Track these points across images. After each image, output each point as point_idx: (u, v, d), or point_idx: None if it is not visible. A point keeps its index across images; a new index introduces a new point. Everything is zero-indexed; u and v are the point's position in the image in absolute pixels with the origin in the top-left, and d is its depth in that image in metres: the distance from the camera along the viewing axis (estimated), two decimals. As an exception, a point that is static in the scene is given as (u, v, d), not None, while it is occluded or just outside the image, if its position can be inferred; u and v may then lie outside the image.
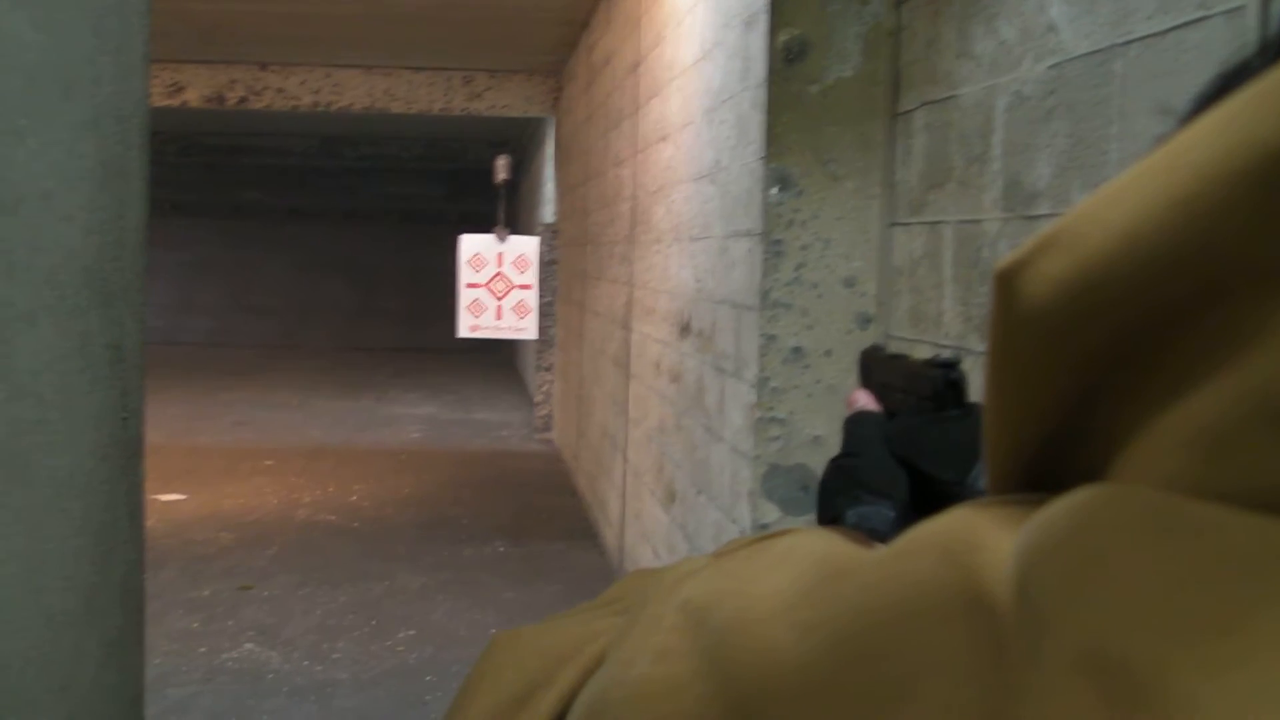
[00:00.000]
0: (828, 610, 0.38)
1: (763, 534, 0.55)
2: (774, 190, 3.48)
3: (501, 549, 8.05)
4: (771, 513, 3.61)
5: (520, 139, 18.23)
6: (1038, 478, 0.40)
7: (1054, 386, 0.38)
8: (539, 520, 8.95)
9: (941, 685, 0.34)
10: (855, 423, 0.95)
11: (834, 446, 3.25)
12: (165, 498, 8.95)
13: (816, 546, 0.43)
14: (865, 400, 0.96)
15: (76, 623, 1.12)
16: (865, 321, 3.47)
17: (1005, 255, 0.39)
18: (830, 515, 0.93)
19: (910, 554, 0.38)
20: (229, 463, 10.76)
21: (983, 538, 0.36)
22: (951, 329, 2.92)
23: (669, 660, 0.43)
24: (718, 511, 4.61)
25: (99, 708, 1.17)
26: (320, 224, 23.79)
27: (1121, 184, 0.36)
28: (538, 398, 13.15)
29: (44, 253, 1.04)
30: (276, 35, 11.12)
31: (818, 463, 3.53)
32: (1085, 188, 2.30)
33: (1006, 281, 0.39)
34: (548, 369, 12.85)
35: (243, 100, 12.67)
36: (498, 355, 21.17)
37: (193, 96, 12.56)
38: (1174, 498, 0.33)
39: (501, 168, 9.82)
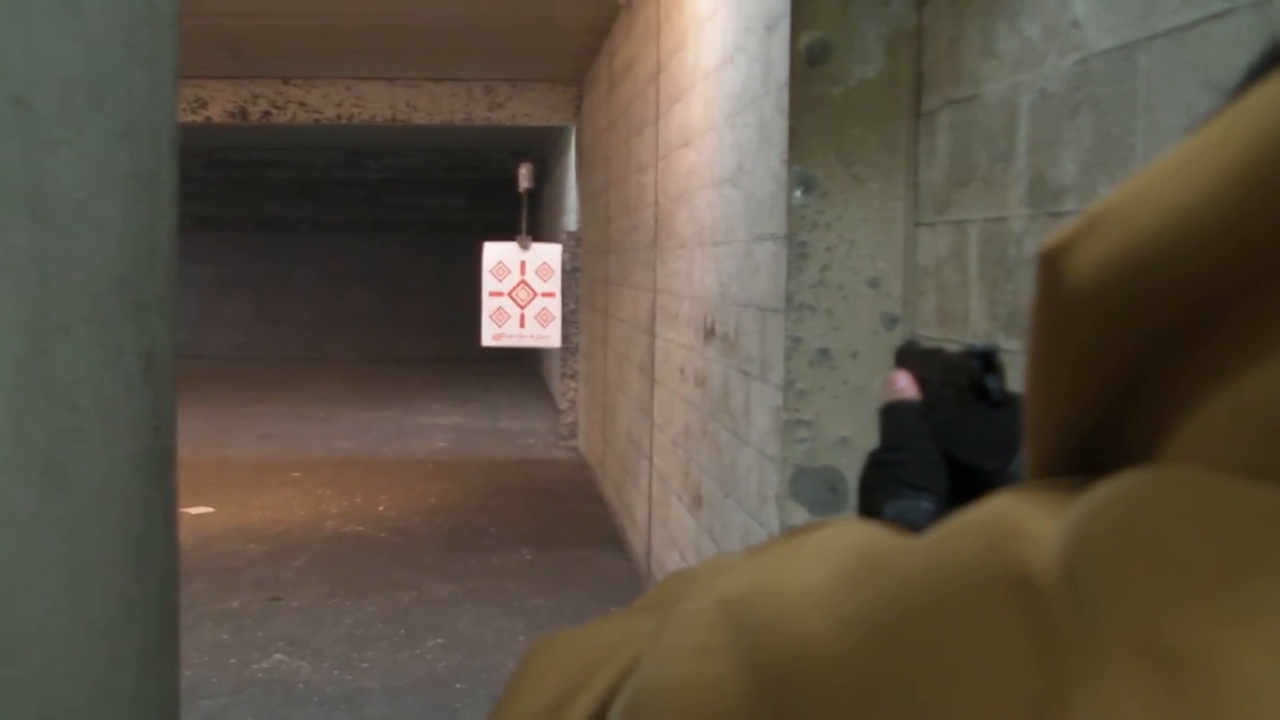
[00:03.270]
0: (868, 602, 0.38)
1: (798, 528, 0.54)
2: (798, 193, 3.48)
3: (529, 556, 8.05)
4: (799, 515, 3.60)
5: (542, 148, 18.27)
6: (1080, 463, 0.39)
7: (1099, 370, 0.38)
8: (566, 527, 8.96)
9: (992, 674, 0.33)
10: (893, 413, 0.94)
11: (862, 448, 3.25)
12: (194, 510, 8.98)
13: (853, 538, 0.43)
14: (905, 383, 0.94)
15: (114, 632, 1.12)
16: (891, 322, 3.46)
17: (1048, 236, 0.38)
18: (869, 510, 0.92)
19: (951, 542, 0.37)
20: (256, 475, 10.80)
21: (1024, 523, 0.35)
22: (979, 327, 2.91)
23: (707, 656, 0.42)
24: (745, 515, 4.60)
25: (136, 717, 1.17)
26: (345, 236, 23.87)
27: (1172, 161, 0.36)
28: (563, 405, 13.16)
29: (78, 263, 1.05)
30: (298, 49, 11.16)
31: (845, 464, 3.53)
32: (1111, 183, 2.30)
33: (1050, 263, 0.38)
34: (572, 376, 12.87)
35: (266, 114, 12.72)
36: (523, 364, 21.20)
37: (216, 112, 12.62)
38: (1232, 481, 0.32)
39: (524, 176, 9.84)
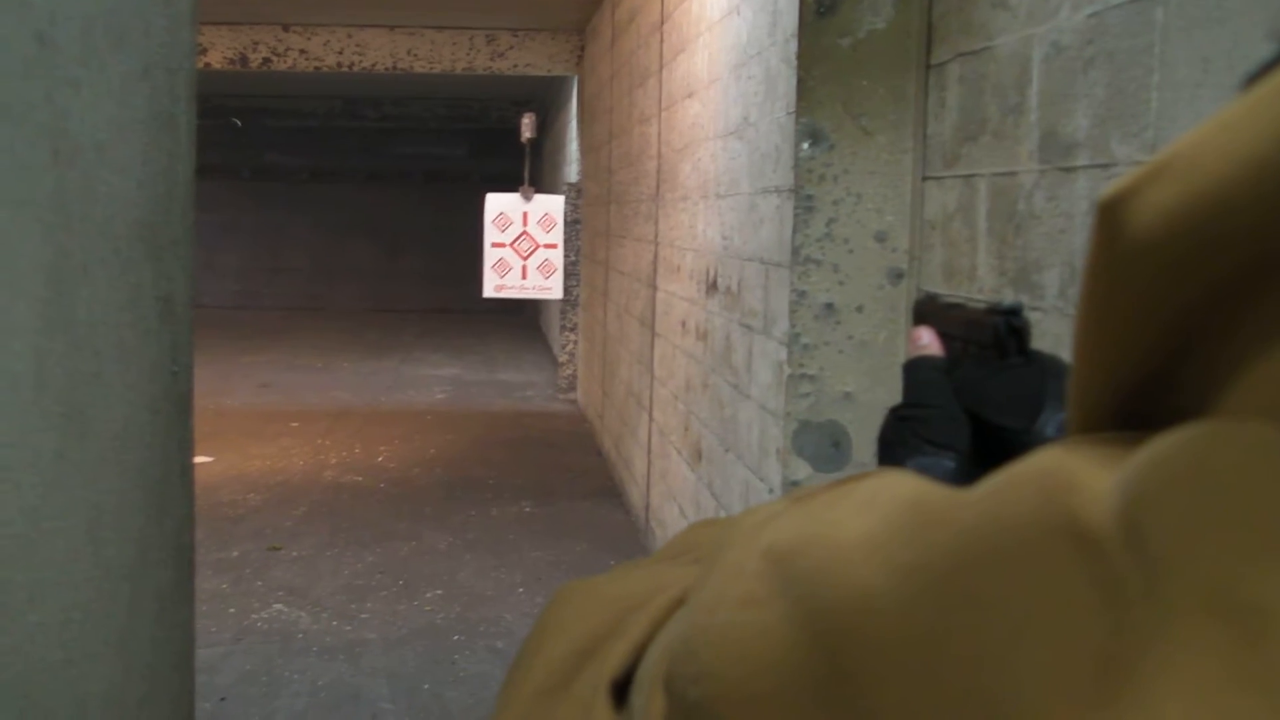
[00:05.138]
0: (922, 554, 0.37)
1: (842, 478, 0.54)
2: (805, 145, 3.46)
3: (528, 508, 8.07)
4: (802, 469, 3.60)
5: (543, 98, 18.20)
6: (1127, 419, 0.39)
7: (1157, 323, 0.37)
8: (565, 479, 8.98)
9: (1058, 627, 0.33)
10: (915, 368, 0.93)
11: (866, 403, 3.23)
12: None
13: (903, 489, 0.42)
14: (929, 339, 0.93)
15: (132, 576, 1.12)
16: (897, 277, 3.45)
17: (1110, 184, 0.38)
18: (890, 466, 0.91)
19: (1005, 495, 0.37)
20: (255, 425, 10.81)
21: (1079, 476, 0.35)
22: (986, 283, 2.91)
23: (756, 606, 0.42)
24: (745, 470, 4.61)
25: (153, 660, 1.17)
26: (344, 185, 23.82)
27: (1238, 111, 0.35)
28: (562, 358, 13.16)
29: (99, 203, 1.04)
30: (299, -5, 11.08)
31: (849, 419, 3.53)
32: (1124, 138, 2.28)
33: (1110, 213, 0.37)
34: (572, 329, 12.86)
35: (266, 62, 12.65)
36: (522, 315, 21.20)
37: (215, 58, 12.54)
38: None
39: (527, 126, 9.80)
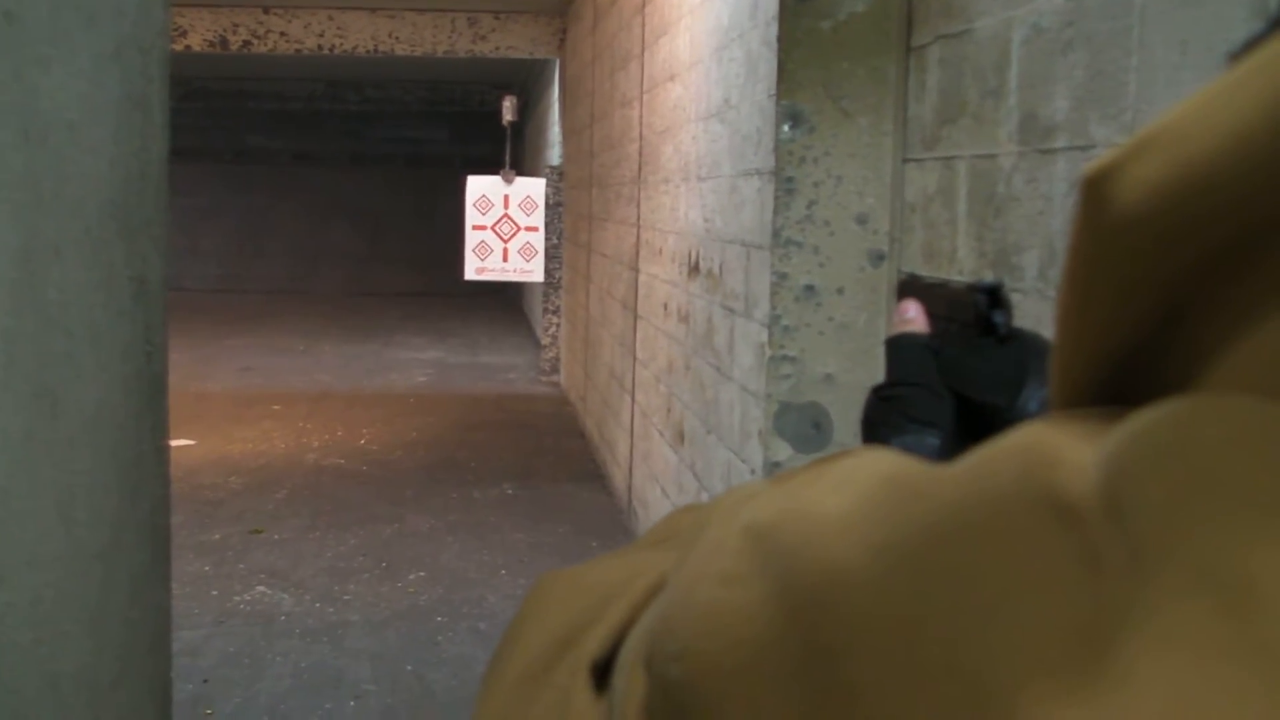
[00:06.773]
0: (899, 529, 0.37)
1: (823, 456, 0.53)
2: (785, 127, 3.46)
3: (510, 491, 8.07)
4: (783, 450, 3.61)
5: (525, 81, 18.15)
6: (1110, 395, 0.39)
7: (1141, 298, 0.37)
8: (547, 462, 8.98)
9: (1036, 599, 0.32)
10: (898, 345, 0.92)
11: (847, 384, 3.23)
12: (174, 443, 8.94)
13: (881, 466, 0.42)
14: (914, 313, 0.93)
15: (105, 557, 1.11)
16: (878, 259, 3.45)
17: (1095, 159, 0.37)
18: (875, 445, 0.91)
19: (985, 469, 0.36)
20: (237, 408, 10.78)
21: (1060, 450, 0.35)
22: (966, 265, 2.91)
23: (736, 584, 0.42)
24: (727, 451, 4.61)
25: (127, 641, 1.17)
26: (325, 169, 23.73)
27: (1224, 85, 0.35)
28: (544, 340, 13.16)
29: (70, 183, 1.03)
30: (279, -23, 11.02)
31: (830, 400, 3.53)
32: (1103, 120, 2.28)
33: (1095, 188, 0.37)
34: (554, 311, 12.85)
35: (246, 44, 12.59)
36: (504, 298, 21.17)
37: (195, 40, 12.48)
38: None
39: (508, 109, 9.78)
